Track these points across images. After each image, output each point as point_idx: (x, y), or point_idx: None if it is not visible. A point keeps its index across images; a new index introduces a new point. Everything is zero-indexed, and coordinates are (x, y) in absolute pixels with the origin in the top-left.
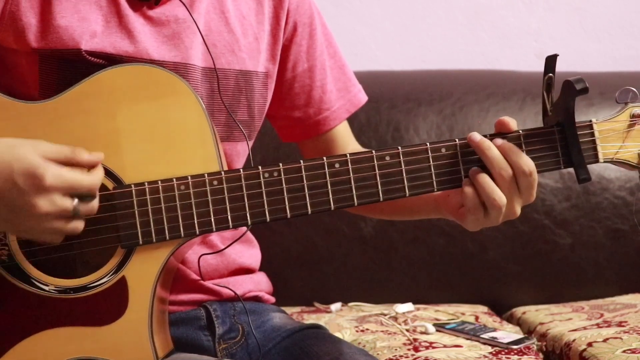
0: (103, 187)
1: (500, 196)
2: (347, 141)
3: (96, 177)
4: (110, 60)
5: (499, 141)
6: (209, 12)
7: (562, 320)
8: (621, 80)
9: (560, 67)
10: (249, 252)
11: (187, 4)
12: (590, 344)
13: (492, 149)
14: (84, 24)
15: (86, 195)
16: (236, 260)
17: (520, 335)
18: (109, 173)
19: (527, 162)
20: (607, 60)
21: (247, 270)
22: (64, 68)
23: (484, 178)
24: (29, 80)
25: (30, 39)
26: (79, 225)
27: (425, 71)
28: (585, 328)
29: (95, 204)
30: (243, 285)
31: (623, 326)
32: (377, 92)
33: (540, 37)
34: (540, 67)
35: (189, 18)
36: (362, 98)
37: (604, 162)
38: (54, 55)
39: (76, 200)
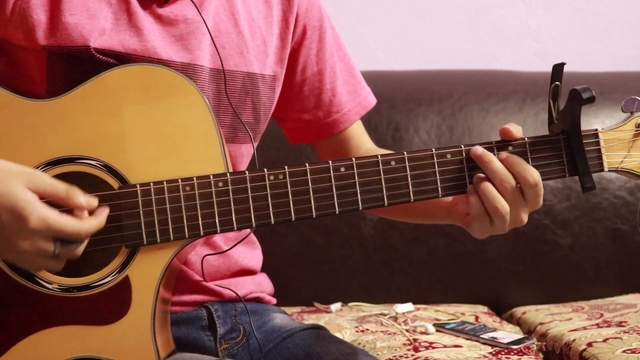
0: (108, 187)
1: (503, 205)
2: (361, 141)
3: (85, 225)
4: (119, 58)
5: (504, 155)
6: (218, 13)
7: (562, 320)
8: (621, 80)
9: None
10: (251, 254)
11: (197, 4)
12: (590, 344)
13: (493, 162)
14: (93, 21)
15: (70, 241)
16: (238, 262)
17: (520, 335)
18: (114, 172)
19: (532, 174)
20: (607, 60)
21: (249, 272)
22: (72, 66)
23: (487, 186)
24: (36, 78)
25: (39, 36)
26: (59, 264)
27: (425, 71)
28: (585, 328)
29: (79, 249)
30: (245, 286)
31: (623, 326)
32: (377, 92)
33: (540, 37)
34: (540, 67)
35: (198, 18)
36: (372, 100)
37: (609, 170)
38: (62, 53)
39: (58, 244)
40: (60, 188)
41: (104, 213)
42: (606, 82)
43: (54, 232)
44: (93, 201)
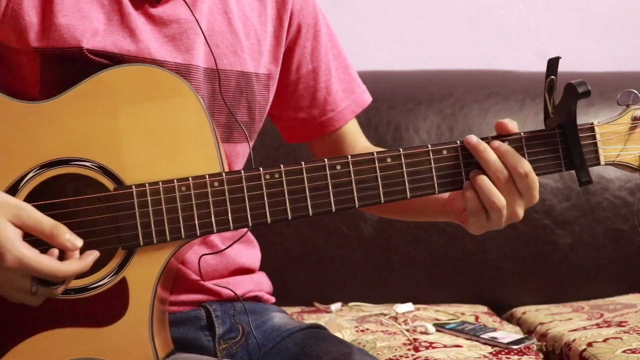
0: (103, 188)
1: (499, 198)
2: (356, 139)
3: (64, 267)
4: (112, 59)
5: (496, 143)
6: (212, 12)
7: (562, 320)
8: (621, 80)
9: (560, 67)
10: (249, 252)
11: (190, 3)
12: (590, 344)
13: (487, 151)
14: (86, 22)
15: (48, 281)
16: (236, 261)
17: (520, 335)
18: (109, 174)
19: (522, 164)
20: (607, 60)
21: (247, 270)
22: (65, 67)
23: (483, 180)
24: (30, 79)
25: (32, 38)
26: (38, 300)
27: (425, 71)
28: (585, 328)
29: (58, 290)
30: (243, 285)
31: (623, 326)
32: (377, 92)
33: (540, 37)
34: (540, 67)
35: (191, 18)
36: (367, 99)
37: (605, 164)
38: (55, 54)
39: (35, 283)
40: (46, 225)
41: (89, 257)
42: (606, 82)
43: (31, 271)
44: (78, 241)
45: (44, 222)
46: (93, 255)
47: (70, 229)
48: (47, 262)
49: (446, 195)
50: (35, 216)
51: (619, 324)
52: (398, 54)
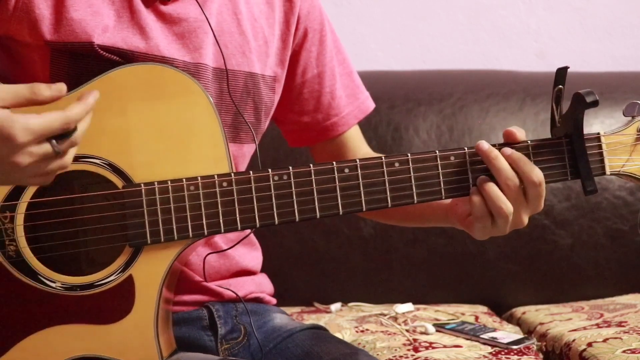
0: (112, 186)
1: (507, 205)
2: (358, 145)
3: (70, 112)
4: (122, 55)
5: (508, 151)
6: (221, 12)
7: (562, 320)
8: (621, 80)
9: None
10: (251, 255)
11: (200, 2)
12: (590, 344)
13: (499, 159)
14: (97, 17)
15: (64, 134)
16: (238, 263)
17: (520, 335)
18: (118, 171)
19: (536, 173)
20: (607, 60)
21: (249, 272)
22: (75, 62)
23: (491, 187)
24: (39, 75)
25: (43, 31)
26: (65, 161)
27: (425, 71)
28: (585, 328)
29: (77, 138)
30: (245, 286)
31: (623, 326)
32: (377, 92)
33: (540, 37)
34: (540, 67)
35: (201, 17)
36: (370, 105)
37: (611, 174)
38: (66, 49)
39: (53, 141)
40: (23, 89)
41: (90, 97)
42: (606, 82)
43: (42, 133)
44: (61, 86)
45: (19, 88)
46: (93, 94)
47: (78, 226)
48: (52, 114)
49: (449, 200)
50: (8, 89)
51: (619, 324)
52: (398, 54)
